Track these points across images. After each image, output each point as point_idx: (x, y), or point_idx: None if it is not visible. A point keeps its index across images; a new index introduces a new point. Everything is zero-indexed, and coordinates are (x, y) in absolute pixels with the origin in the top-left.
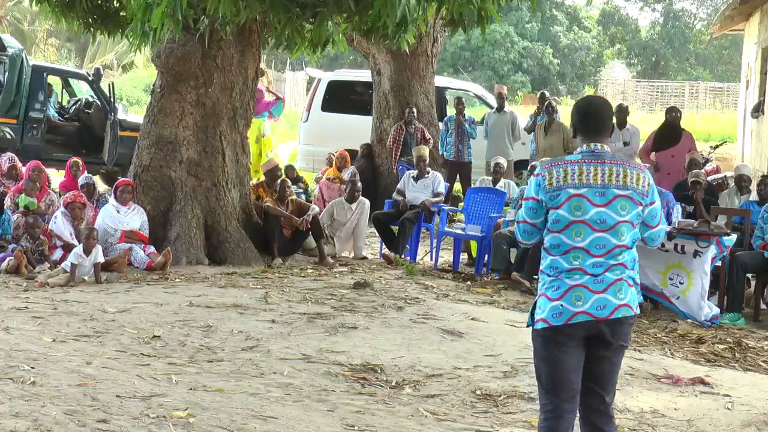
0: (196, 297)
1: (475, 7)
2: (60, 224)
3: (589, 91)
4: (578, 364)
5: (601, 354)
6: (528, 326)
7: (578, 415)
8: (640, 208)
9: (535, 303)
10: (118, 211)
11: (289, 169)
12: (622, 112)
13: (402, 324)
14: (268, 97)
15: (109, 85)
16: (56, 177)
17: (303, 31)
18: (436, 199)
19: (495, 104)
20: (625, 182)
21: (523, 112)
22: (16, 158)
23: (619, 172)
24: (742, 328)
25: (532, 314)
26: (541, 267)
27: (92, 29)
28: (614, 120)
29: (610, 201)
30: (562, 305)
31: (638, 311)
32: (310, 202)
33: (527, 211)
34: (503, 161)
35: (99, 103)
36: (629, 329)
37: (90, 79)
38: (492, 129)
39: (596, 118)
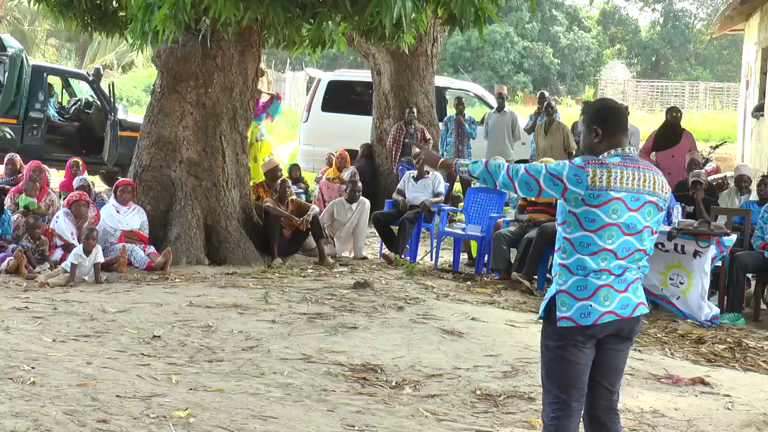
0: (196, 297)
1: (474, 8)
2: (62, 224)
3: (589, 91)
4: (590, 363)
5: (614, 349)
6: (540, 319)
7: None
8: (661, 214)
9: (553, 299)
10: (117, 211)
11: (294, 168)
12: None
13: (402, 324)
14: (263, 98)
15: (109, 85)
16: (56, 177)
17: (302, 31)
18: (436, 199)
19: (495, 104)
20: (654, 188)
21: (523, 112)
22: (17, 156)
23: (650, 178)
24: (742, 328)
25: (548, 310)
26: (561, 262)
27: (91, 29)
28: None
29: (642, 206)
30: (591, 305)
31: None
32: (310, 202)
33: (545, 179)
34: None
35: (99, 103)
36: (640, 326)
37: (90, 79)
38: (492, 129)
39: (620, 117)
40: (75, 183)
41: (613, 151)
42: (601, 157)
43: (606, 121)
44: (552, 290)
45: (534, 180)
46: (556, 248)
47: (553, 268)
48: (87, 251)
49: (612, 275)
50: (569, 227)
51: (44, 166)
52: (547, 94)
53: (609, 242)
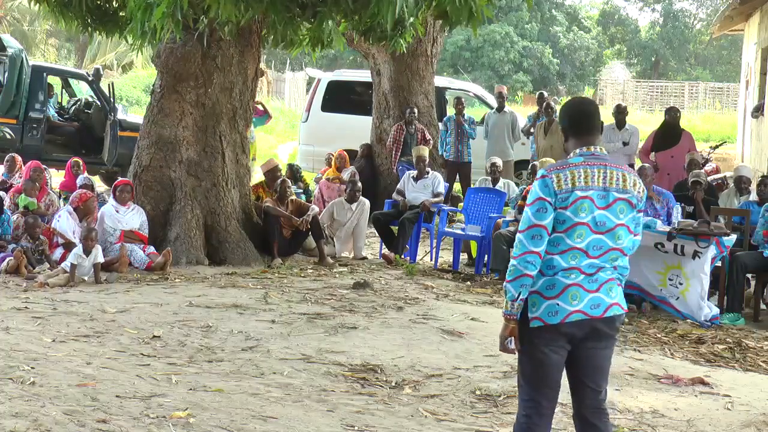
0: (196, 297)
1: (467, 6)
2: (64, 222)
3: (588, 91)
4: (561, 363)
5: (594, 348)
6: (516, 321)
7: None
8: (635, 212)
9: (527, 300)
10: (117, 211)
11: (295, 169)
12: (621, 112)
13: (402, 324)
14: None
15: (108, 85)
16: (56, 177)
17: (302, 31)
18: (436, 199)
19: (494, 104)
20: (625, 186)
21: (523, 112)
22: (16, 155)
23: (619, 176)
24: (742, 328)
25: (525, 311)
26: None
27: (90, 29)
28: (614, 120)
29: (611, 204)
30: (558, 304)
31: (626, 308)
32: (310, 202)
33: (536, 213)
34: (499, 161)
35: (99, 103)
36: (619, 327)
37: (90, 79)
38: (492, 129)
39: (589, 119)
40: (79, 182)
41: (578, 151)
42: (568, 161)
43: (572, 123)
44: (525, 293)
45: (536, 227)
46: None
47: None
48: (86, 251)
49: (583, 274)
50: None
51: (44, 166)
52: (546, 94)
53: (578, 241)
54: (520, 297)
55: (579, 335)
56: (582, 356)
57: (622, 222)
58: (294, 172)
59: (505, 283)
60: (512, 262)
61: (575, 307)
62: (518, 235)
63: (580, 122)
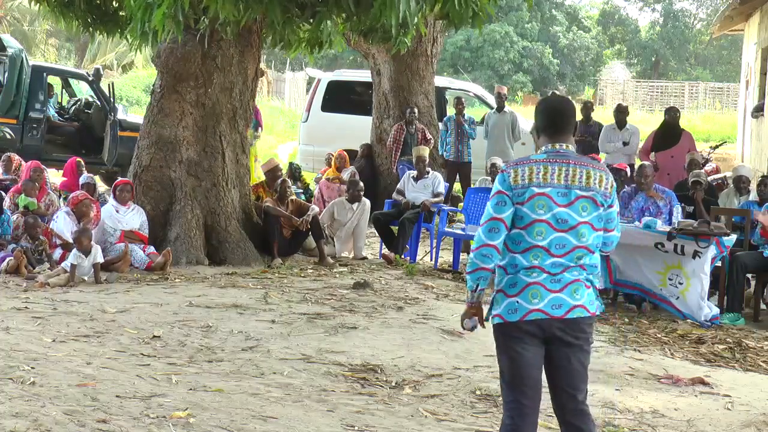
0: (196, 297)
1: (471, 6)
2: (61, 223)
3: (588, 91)
4: (537, 360)
5: (562, 352)
6: (486, 320)
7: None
8: (602, 209)
9: (493, 298)
10: (117, 211)
11: (295, 168)
12: (622, 112)
13: (402, 324)
14: None
15: (108, 85)
16: (56, 177)
17: (301, 31)
18: (436, 199)
19: (494, 104)
20: (588, 184)
21: (523, 112)
22: (14, 155)
23: (583, 173)
24: (742, 328)
25: (490, 309)
26: (499, 263)
27: (91, 29)
28: (615, 119)
29: (572, 202)
30: (518, 302)
31: (597, 312)
32: (310, 202)
33: (494, 207)
34: (499, 161)
35: (99, 103)
36: (589, 329)
37: (90, 79)
38: (492, 129)
39: (560, 117)
40: (82, 180)
41: (543, 148)
42: (530, 156)
43: (544, 120)
44: (484, 284)
45: (493, 220)
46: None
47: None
48: (83, 252)
49: (545, 273)
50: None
51: (43, 166)
52: (558, 93)
53: (539, 239)
54: (479, 288)
55: (543, 335)
56: (554, 359)
57: (584, 220)
58: (293, 172)
59: (465, 274)
60: (470, 255)
61: (535, 305)
62: (478, 229)
63: (554, 121)
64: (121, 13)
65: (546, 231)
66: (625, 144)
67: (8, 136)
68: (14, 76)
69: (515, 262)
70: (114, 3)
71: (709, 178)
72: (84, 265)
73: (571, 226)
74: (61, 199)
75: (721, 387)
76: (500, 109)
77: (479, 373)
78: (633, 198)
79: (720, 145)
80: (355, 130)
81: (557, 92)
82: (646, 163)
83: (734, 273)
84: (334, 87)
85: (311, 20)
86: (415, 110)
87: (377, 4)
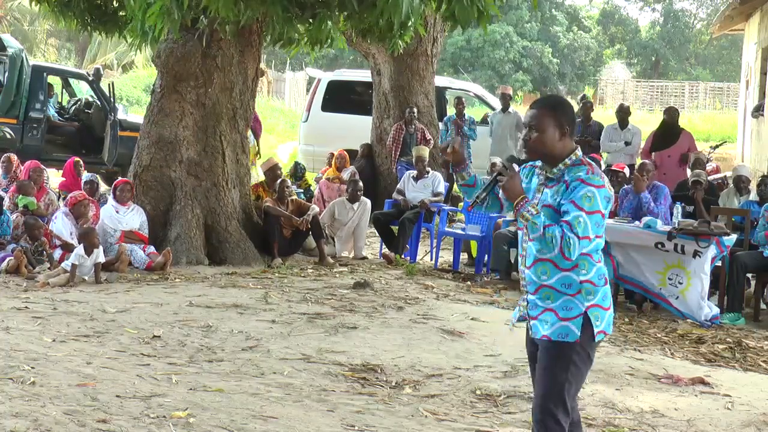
0: (196, 297)
1: (476, 6)
2: (60, 224)
3: (588, 91)
4: None
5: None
6: (575, 341)
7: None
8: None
9: (586, 315)
10: (117, 211)
11: (300, 168)
12: (624, 111)
13: (402, 324)
14: None
15: (109, 85)
16: (56, 177)
17: (301, 30)
18: (436, 198)
19: (495, 104)
20: None
21: (523, 111)
22: (13, 155)
23: None
24: (742, 328)
25: (583, 327)
26: (587, 278)
27: (90, 29)
28: (617, 119)
29: None
30: (612, 314)
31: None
32: (310, 202)
33: (594, 227)
34: (499, 161)
35: (99, 103)
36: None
37: (90, 79)
38: (496, 129)
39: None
40: (84, 178)
41: (578, 153)
42: (594, 162)
43: (573, 121)
44: (579, 307)
45: (598, 238)
46: (570, 266)
47: (557, 283)
48: (88, 251)
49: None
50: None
51: (42, 166)
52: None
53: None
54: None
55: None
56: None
57: None
58: (298, 171)
59: (536, 232)
60: (546, 240)
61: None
62: (576, 241)
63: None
64: (120, 13)
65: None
66: (627, 144)
67: (8, 136)
68: (14, 76)
69: (603, 272)
70: (114, 3)
71: (709, 178)
72: (85, 264)
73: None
74: (61, 200)
75: (721, 387)
76: (505, 109)
77: (479, 373)
78: (626, 198)
79: (720, 145)
80: (355, 130)
81: (556, 92)
82: (647, 161)
83: (734, 273)
84: (334, 87)
85: (312, 20)
86: (415, 110)
87: (381, 2)
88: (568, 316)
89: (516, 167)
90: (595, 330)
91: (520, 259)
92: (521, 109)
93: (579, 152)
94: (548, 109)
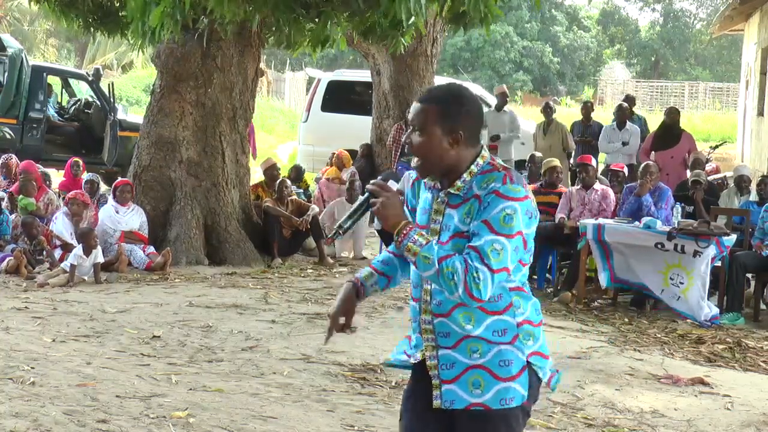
0: (196, 297)
1: (480, 6)
2: (60, 224)
3: (588, 90)
4: None
5: None
6: (522, 404)
7: None
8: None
9: (529, 366)
10: (117, 212)
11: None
12: (623, 112)
13: (402, 324)
14: None
15: (108, 85)
16: (56, 177)
17: (304, 31)
18: None
19: (495, 104)
20: None
21: (523, 112)
22: (14, 157)
23: None
24: (742, 328)
25: (528, 383)
26: (524, 317)
27: (92, 29)
28: (615, 118)
29: None
30: (551, 362)
31: None
32: (310, 202)
33: (513, 254)
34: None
35: (99, 103)
36: None
37: (90, 79)
38: (490, 129)
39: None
40: (85, 177)
41: (491, 157)
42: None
43: (477, 122)
44: (519, 359)
45: (505, 271)
46: (503, 306)
47: (486, 332)
48: (87, 252)
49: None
50: (519, 268)
51: (37, 165)
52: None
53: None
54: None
55: None
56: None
57: None
58: (298, 172)
59: (430, 270)
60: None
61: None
62: (485, 276)
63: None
64: (121, 13)
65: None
66: (624, 144)
67: (8, 136)
68: (14, 76)
69: (538, 306)
70: (115, 3)
71: (709, 178)
72: (84, 265)
73: None
74: (60, 199)
75: (721, 387)
76: (500, 108)
77: None
78: (627, 199)
79: (720, 145)
80: (355, 130)
81: (557, 92)
82: (651, 162)
83: (734, 273)
84: (334, 87)
85: (317, 20)
86: None
87: (384, 1)
88: (508, 374)
89: (394, 185)
90: (545, 377)
91: (417, 297)
92: (519, 109)
93: (487, 154)
94: (433, 104)
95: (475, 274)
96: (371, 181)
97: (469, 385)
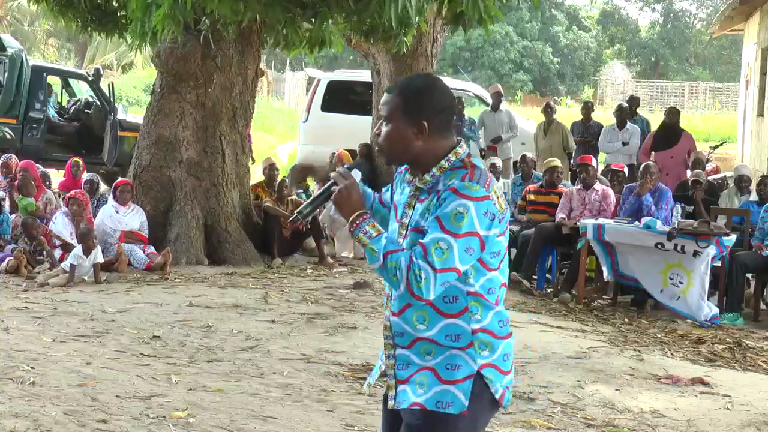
0: (196, 297)
1: (479, 6)
2: (60, 224)
3: (588, 90)
4: None
5: None
6: (459, 414)
7: None
8: None
9: (479, 377)
10: (117, 212)
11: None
12: (623, 111)
13: None
14: None
15: (108, 85)
16: (56, 177)
17: (302, 31)
18: None
19: (491, 104)
20: None
21: (523, 112)
22: (14, 157)
23: None
24: (742, 328)
25: (473, 394)
26: (481, 325)
27: (90, 29)
28: (615, 119)
29: None
30: (512, 377)
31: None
32: None
33: (464, 255)
34: (498, 161)
35: (99, 103)
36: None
37: (90, 79)
38: (488, 129)
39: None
40: (85, 177)
41: (467, 152)
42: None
43: (446, 111)
44: (469, 366)
45: (453, 272)
46: (458, 310)
47: (439, 335)
48: (86, 252)
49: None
50: (481, 273)
51: (36, 165)
52: (552, 104)
53: (504, 277)
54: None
55: None
56: None
57: None
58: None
59: (376, 262)
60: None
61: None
62: (430, 275)
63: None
64: (121, 13)
65: (503, 275)
66: (624, 144)
67: (8, 136)
68: (14, 76)
69: (504, 318)
70: (114, 3)
71: (709, 178)
72: (84, 265)
73: None
74: (60, 199)
75: (721, 387)
76: (496, 107)
77: None
78: (627, 199)
79: (720, 145)
80: (355, 130)
81: (557, 92)
82: (651, 162)
83: (734, 273)
84: (334, 87)
85: (313, 20)
86: None
87: (374, 3)
88: (452, 377)
89: (358, 174)
90: (497, 393)
91: (387, 294)
92: (519, 109)
93: (462, 150)
94: (399, 95)
95: (417, 272)
96: (337, 169)
97: (416, 385)
